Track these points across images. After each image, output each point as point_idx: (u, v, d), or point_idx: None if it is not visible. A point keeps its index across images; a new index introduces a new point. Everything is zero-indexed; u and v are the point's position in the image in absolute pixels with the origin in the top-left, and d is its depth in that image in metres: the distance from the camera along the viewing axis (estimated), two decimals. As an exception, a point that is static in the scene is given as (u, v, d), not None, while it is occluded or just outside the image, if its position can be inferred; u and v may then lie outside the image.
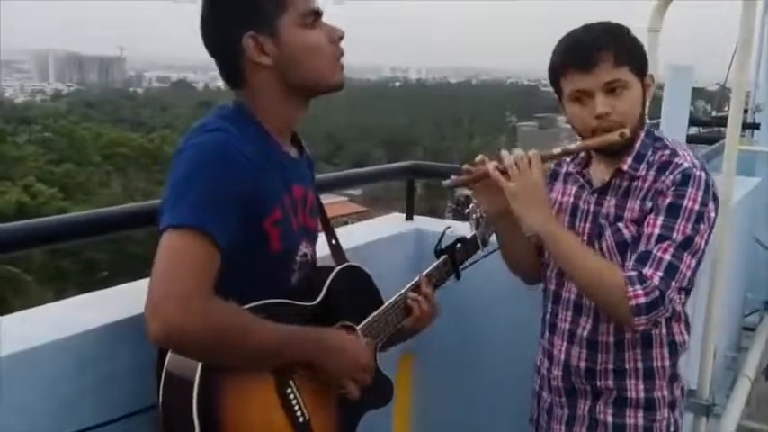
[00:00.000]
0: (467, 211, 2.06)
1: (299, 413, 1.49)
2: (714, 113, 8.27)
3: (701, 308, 3.07)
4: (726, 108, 7.33)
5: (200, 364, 1.37)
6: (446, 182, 1.93)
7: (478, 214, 2.06)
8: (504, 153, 1.80)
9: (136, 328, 1.68)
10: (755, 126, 6.91)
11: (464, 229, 2.16)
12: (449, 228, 2.14)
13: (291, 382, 1.50)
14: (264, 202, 1.51)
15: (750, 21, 2.91)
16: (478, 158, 1.86)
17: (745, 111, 6.29)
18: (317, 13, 1.57)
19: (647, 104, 1.86)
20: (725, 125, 3.20)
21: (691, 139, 4.88)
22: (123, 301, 1.77)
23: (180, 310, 1.29)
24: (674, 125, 4.13)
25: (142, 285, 1.91)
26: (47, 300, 1.92)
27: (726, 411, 3.33)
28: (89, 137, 41.04)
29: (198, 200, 1.38)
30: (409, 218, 2.93)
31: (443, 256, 2.03)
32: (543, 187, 1.79)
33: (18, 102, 72.84)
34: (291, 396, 1.49)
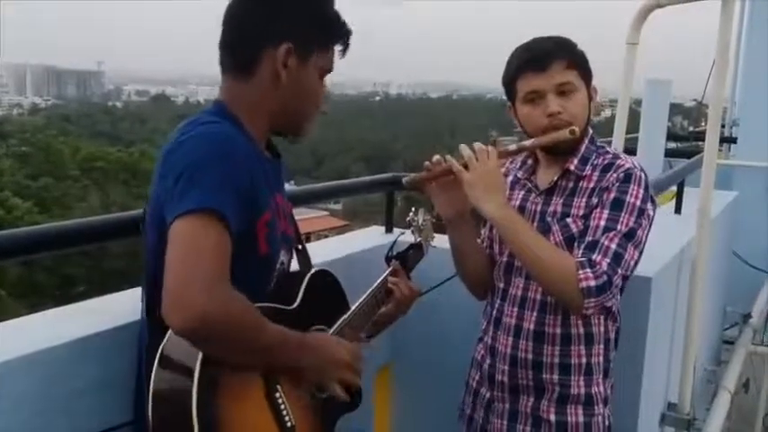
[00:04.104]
0: (407, 219, 2.14)
1: (287, 418, 1.49)
2: (691, 128, 8.37)
3: (680, 322, 3.08)
4: (702, 123, 7.44)
5: (196, 376, 1.33)
6: (405, 179, 2.03)
7: (418, 222, 2.15)
8: (462, 146, 1.89)
9: (106, 344, 1.65)
10: (733, 140, 7.00)
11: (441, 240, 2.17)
12: (402, 234, 2.15)
13: (279, 387, 1.49)
14: (259, 199, 1.51)
15: (727, 37, 2.93)
16: (435, 158, 1.93)
17: (722, 125, 6.37)
18: (329, 72, 1.67)
19: (592, 114, 1.97)
20: (702, 140, 3.22)
21: (669, 153, 4.93)
22: (94, 315, 1.74)
23: (206, 297, 1.27)
24: (652, 139, 4.16)
25: (112, 299, 1.89)
26: (20, 315, 1.87)
27: (706, 425, 3.34)
28: (67, 151, 40.72)
29: (211, 185, 1.35)
30: (389, 230, 2.91)
31: (395, 261, 2.05)
32: (500, 175, 1.89)
33: (-5, 116, 72.15)
34: (280, 401, 1.49)
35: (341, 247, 2.65)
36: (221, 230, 1.33)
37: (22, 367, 1.51)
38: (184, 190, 1.35)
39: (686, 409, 3.04)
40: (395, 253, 2.09)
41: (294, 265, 1.80)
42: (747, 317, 5.07)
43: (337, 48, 1.66)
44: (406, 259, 2.09)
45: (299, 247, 1.83)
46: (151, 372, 1.39)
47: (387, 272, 1.98)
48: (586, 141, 1.94)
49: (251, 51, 1.57)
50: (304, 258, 1.84)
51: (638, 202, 1.83)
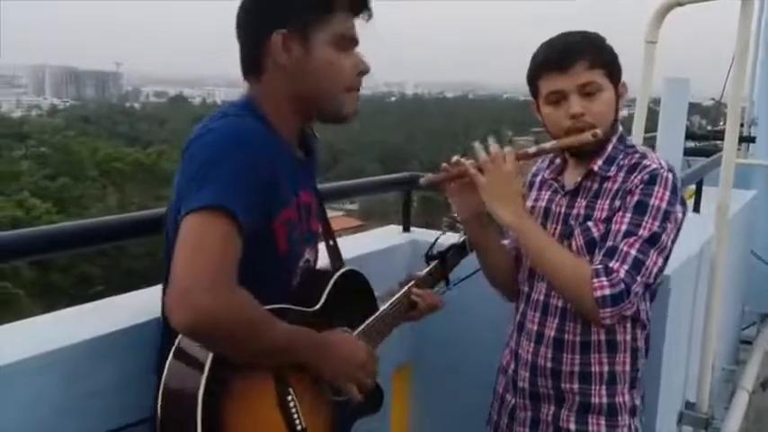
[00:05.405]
0: (452, 215, 2.09)
1: (297, 421, 1.48)
2: (710, 128, 8.32)
3: (699, 321, 3.07)
4: (721, 123, 7.38)
5: (205, 374, 1.34)
6: (422, 180, 1.98)
7: None
8: (476, 145, 1.83)
9: (122, 342, 1.66)
10: (751, 139, 6.95)
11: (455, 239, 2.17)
12: (442, 233, 2.14)
13: (291, 390, 1.48)
14: (279, 195, 1.49)
15: (746, 36, 2.92)
16: (454, 159, 1.89)
17: (741, 125, 6.33)
18: (352, 40, 1.58)
19: (620, 111, 1.91)
20: (721, 139, 3.21)
21: (687, 152, 4.90)
22: (110, 314, 1.74)
23: (210, 297, 1.26)
24: (670, 138, 4.14)
25: (130, 298, 1.90)
26: (36, 315, 1.88)
27: (724, 424, 3.33)
28: (85, 152, 41.03)
29: (223, 182, 1.34)
30: (406, 229, 2.91)
31: (435, 261, 2.04)
32: (515, 180, 1.82)
33: (14, 117, 72.74)
34: (291, 404, 1.48)
35: (358, 245, 2.64)
36: (229, 228, 1.32)
37: (39, 365, 1.51)
38: (198, 186, 1.35)
39: (704, 408, 3.04)
40: (435, 252, 2.06)
41: (325, 259, 1.79)
42: (765, 316, 5.05)
43: (363, 16, 1.58)
44: (446, 258, 2.06)
45: (331, 242, 1.82)
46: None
47: (408, 286, 1.93)
48: (614, 140, 1.87)
49: (252, 52, 1.56)
50: (335, 254, 1.82)
51: (664, 205, 1.73)
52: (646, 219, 1.73)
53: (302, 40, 1.52)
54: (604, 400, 1.88)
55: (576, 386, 1.89)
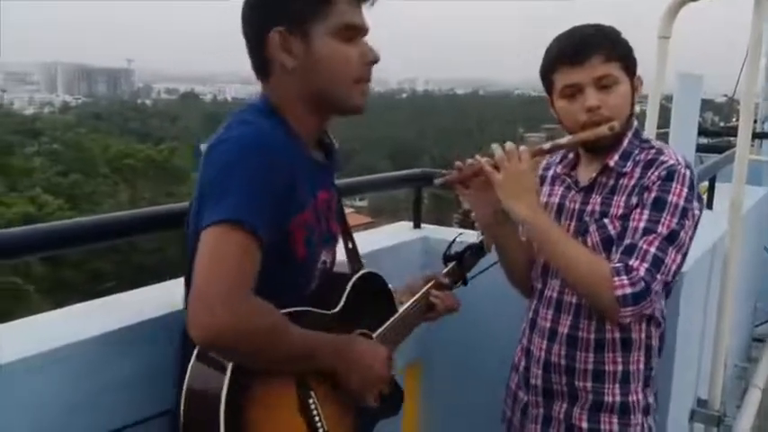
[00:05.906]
0: (473, 214, 2.07)
1: (319, 425, 1.48)
2: (722, 124, 8.29)
3: (711, 318, 3.05)
4: (734, 119, 7.35)
5: (227, 377, 1.34)
6: (437, 180, 1.96)
7: None
8: (494, 146, 1.81)
9: (136, 337, 1.65)
10: (764, 136, 6.92)
11: (473, 238, 2.17)
12: (460, 234, 2.13)
13: (313, 393, 1.48)
14: (297, 198, 1.47)
15: (759, 31, 2.90)
16: (470, 161, 1.87)
17: (754, 121, 6.30)
18: (357, 30, 1.53)
19: (635, 105, 1.88)
20: (733, 135, 3.20)
21: (700, 149, 4.88)
22: (119, 310, 1.74)
23: (228, 312, 1.26)
24: (683, 134, 4.12)
25: (141, 294, 1.89)
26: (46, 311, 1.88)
27: (736, 422, 3.31)
28: (97, 149, 41.22)
29: (240, 194, 1.33)
30: (417, 226, 2.91)
31: (453, 262, 2.03)
32: (531, 177, 1.80)
33: (27, 114, 73.10)
34: (313, 408, 1.47)
35: (369, 242, 2.64)
36: (247, 241, 1.31)
37: (49, 361, 1.51)
38: (215, 198, 1.34)
39: (716, 405, 3.03)
40: (452, 252, 2.06)
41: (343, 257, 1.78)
42: (778, 314, 5.02)
43: (366, 3, 1.53)
44: (463, 260, 2.06)
45: (350, 243, 1.80)
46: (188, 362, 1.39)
47: (427, 286, 1.93)
48: (630, 135, 1.83)
49: (257, 52, 1.53)
50: (354, 256, 1.81)
51: (681, 202, 1.71)
52: (664, 216, 1.70)
53: (303, 37, 1.48)
54: (617, 398, 1.86)
55: (589, 384, 1.87)
